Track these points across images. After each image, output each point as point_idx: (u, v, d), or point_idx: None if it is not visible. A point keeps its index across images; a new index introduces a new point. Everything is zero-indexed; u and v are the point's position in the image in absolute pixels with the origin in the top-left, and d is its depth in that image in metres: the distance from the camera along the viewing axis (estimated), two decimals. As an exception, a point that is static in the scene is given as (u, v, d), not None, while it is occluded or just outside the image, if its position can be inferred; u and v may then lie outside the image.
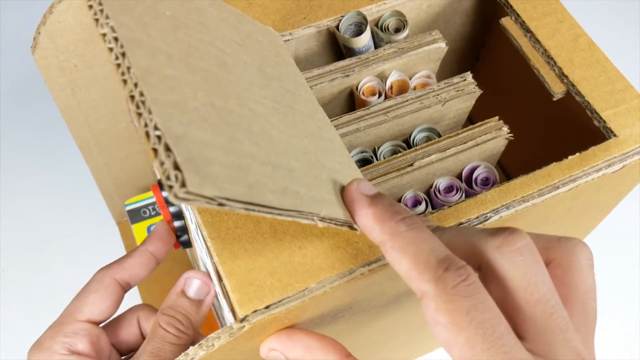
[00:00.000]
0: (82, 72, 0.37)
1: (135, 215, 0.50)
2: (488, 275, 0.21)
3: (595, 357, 0.21)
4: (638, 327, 0.53)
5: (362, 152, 0.33)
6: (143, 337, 0.33)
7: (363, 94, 0.33)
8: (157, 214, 0.50)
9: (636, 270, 0.56)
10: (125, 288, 0.33)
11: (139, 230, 0.50)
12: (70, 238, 0.55)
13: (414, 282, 0.20)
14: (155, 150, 0.17)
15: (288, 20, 0.34)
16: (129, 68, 0.18)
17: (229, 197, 0.18)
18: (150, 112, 0.17)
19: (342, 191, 0.24)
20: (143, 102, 0.17)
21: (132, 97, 0.18)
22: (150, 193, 0.50)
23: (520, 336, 0.20)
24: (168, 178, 0.16)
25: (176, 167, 0.16)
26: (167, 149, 0.17)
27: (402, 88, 0.34)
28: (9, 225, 0.55)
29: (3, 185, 0.57)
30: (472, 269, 0.20)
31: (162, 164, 0.17)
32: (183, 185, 0.16)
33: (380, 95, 0.33)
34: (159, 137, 0.17)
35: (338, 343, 0.24)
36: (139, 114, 0.17)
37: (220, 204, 0.17)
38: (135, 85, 0.18)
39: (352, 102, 0.35)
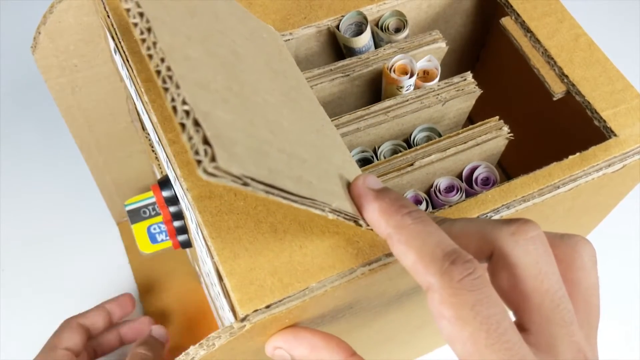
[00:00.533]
0: (82, 72, 0.37)
1: (135, 216, 0.50)
2: (499, 262, 0.21)
3: (598, 354, 0.21)
4: (638, 327, 0.53)
5: (362, 152, 0.33)
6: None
7: (394, 72, 0.33)
8: (157, 214, 0.50)
9: (636, 270, 0.56)
10: (86, 333, 0.43)
11: (139, 230, 0.50)
12: (70, 238, 0.55)
13: (420, 275, 0.20)
14: (183, 125, 0.17)
15: (288, 20, 0.34)
16: (154, 43, 0.18)
17: (254, 177, 0.18)
18: (178, 87, 0.17)
19: (349, 186, 0.24)
20: (170, 77, 0.17)
21: (159, 71, 0.17)
22: (150, 193, 0.50)
23: (524, 327, 0.20)
24: (197, 153, 0.16)
25: (206, 141, 0.16)
26: (196, 123, 0.16)
27: (430, 76, 0.34)
28: (9, 225, 0.55)
29: (3, 185, 0.57)
30: (478, 263, 0.19)
31: (190, 138, 0.16)
32: (213, 159, 0.16)
33: (412, 76, 0.33)
34: (187, 112, 0.17)
35: (343, 342, 0.24)
36: (166, 89, 0.17)
37: (245, 184, 0.17)
38: (162, 60, 0.17)
39: (369, 88, 0.35)
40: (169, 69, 0.17)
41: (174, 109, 0.17)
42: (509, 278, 0.20)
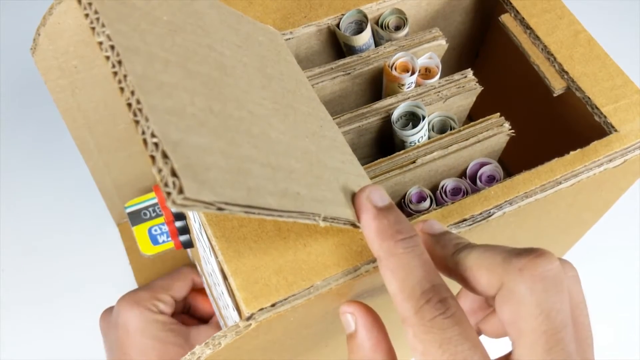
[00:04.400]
0: (82, 73, 0.37)
1: (136, 217, 0.50)
2: (505, 296, 0.21)
3: None
4: (637, 327, 0.53)
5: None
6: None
7: (395, 70, 0.33)
8: (158, 215, 0.50)
9: (636, 271, 0.56)
10: (193, 288, 0.45)
11: (140, 232, 0.50)
12: (70, 239, 0.55)
13: (398, 306, 0.21)
14: (153, 158, 0.17)
15: (289, 19, 0.34)
16: (125, 76, 0.18)
17: (228, 202, 0.18)
18: (147, 120, 0.17)
19: (354, 195, 0.24)
20: (140, 110, 0.17)
21: (129, 104, 0.18)
22: (151, 194, 0.50)
23: None
24: (166, 185, 0.16)
25: (174, 173, 0.17)
26: (165, 155, 0.17)
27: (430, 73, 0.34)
28: (9, 226, 0.55)
29: (3, 185, 0.57)
30: (453, 301, 0.20)
31: (159, 171, 0.17)
32: (181, 191, 0.16)
33: (413, 73, 0.33)
34: (156, 145, 0.17)
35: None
36: (137, 122, 0.17)
37: (219, 209, 0.18)
38: (132, 93, 0.18)
39: (370, 87, 0.35)
40: (138, 101, 0.17)
41: (145, 141, 0.17)
42: (510, 314, 0.21)
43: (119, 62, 0.18)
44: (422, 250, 0.22)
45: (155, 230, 0.50)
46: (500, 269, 0.21)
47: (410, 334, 0.21)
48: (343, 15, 0.34)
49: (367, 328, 0.24)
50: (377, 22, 0.35)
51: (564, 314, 0.20)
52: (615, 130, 0.30)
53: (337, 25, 0.34)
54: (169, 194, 0.16)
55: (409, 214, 0.30)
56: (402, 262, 0.21)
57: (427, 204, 0.31)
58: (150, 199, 0.50)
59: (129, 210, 0.50)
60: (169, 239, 0.50)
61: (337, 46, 0.36)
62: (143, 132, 0.17)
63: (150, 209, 0.50)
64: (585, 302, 0.22)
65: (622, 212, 0.49)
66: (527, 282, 0.20)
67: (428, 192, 0.31)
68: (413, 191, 0.31)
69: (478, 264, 0.22)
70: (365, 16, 0.34)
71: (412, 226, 0.23)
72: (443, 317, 0.20)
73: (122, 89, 0.18)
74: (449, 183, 0.31)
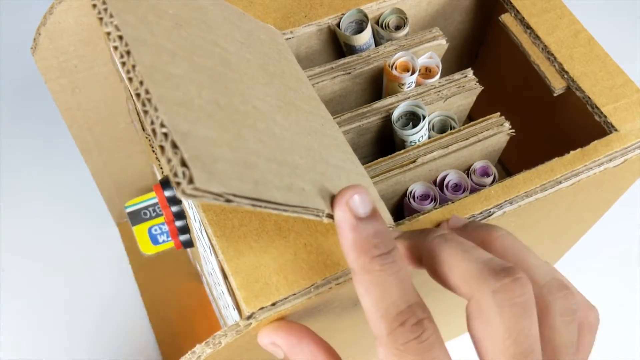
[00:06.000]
0: (82, 72, 0.37)
1: (136, 217, 0.50)
2: (474, 312, 0.21)
3: None
4: (637, 327, 0.53)
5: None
6: None
7: (396, 69, 0.33)
8: (158, 215, 0.50)
9: (636, 271, 0.56)
10: None
11: (140, 231, 0.50)
12: (70, 239, 0.55)
13: (371, 323, 0.21)
14: (162, 148, 0.17)
15: (289, 19, 0.34)
16: (134, 66, 0.18)
17: (236, 193, 0.18)
18: (156, 110, 0.17)
19: (332, 198, 0.22)
20: (149, 100, 0.17)
21: (138, 94, 0.18)
22: (151, 194, 0.50)
23: None
24: (175, 175, 0.16)
25: (183, 163, 0.17)
26: (174, 145, 0.17)
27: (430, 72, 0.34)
28: (9, 226, 0.55)
29: (3, 185, 0.57)
30: (430, 323, 0.20)
31: (169, 161, 0.17)
32: (191, 181, 0.16)
33: (413, 73, 0.33)
34: (165, 134, 0.17)
35: None
36: (145, 112, 0.17)
37: (228, 200, 0.17)
38: (141, 83, 0.18)
39: (371, 86, 0.35)
40: (147, 91, 0.17)
41: (154, 131, 0.17)
42: (479, 331, 0.20)
43: (128, 53, 0.18)
44: (399, 267, 0.21)
45: (155, 230, 0.50)
46: (474, 283, 0.20)
47: (381, 354, 0.20)
48: (343, 14, 0.34)
49: (300, 351, 0.23)
50: (378, 22, 0.35)
51: (532, 338, 0.20)
52: (616, 130, 0.30)
53: (338, 25, 0.34)
54: (178, 184, 0.16)
55: (412, 210, 0.30)
56: (377, 280, 0.20)
57: (431, 205, 0.31)
58: (150, 198, 0.50)
59: (129, 210, 0.50)
60: (169, 238, 0.50)
61: (337, 46, 0.36)
62: (152, 122, 0.17)
63: (150, 209, 0.50)
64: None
65: (622, 212, 0.49)
66: (499, 305, 0.20)
67: (431, 188, 0.31)
68: (418, 191, 0.31)
69: (451, 265, 0.21)
70: (366, 16, 0.34)
71: (391, 239, 0.21)
72: (417, 342, 0.20)
73: (130, 79, 0.18)
74: (451, 178, 0.31)
